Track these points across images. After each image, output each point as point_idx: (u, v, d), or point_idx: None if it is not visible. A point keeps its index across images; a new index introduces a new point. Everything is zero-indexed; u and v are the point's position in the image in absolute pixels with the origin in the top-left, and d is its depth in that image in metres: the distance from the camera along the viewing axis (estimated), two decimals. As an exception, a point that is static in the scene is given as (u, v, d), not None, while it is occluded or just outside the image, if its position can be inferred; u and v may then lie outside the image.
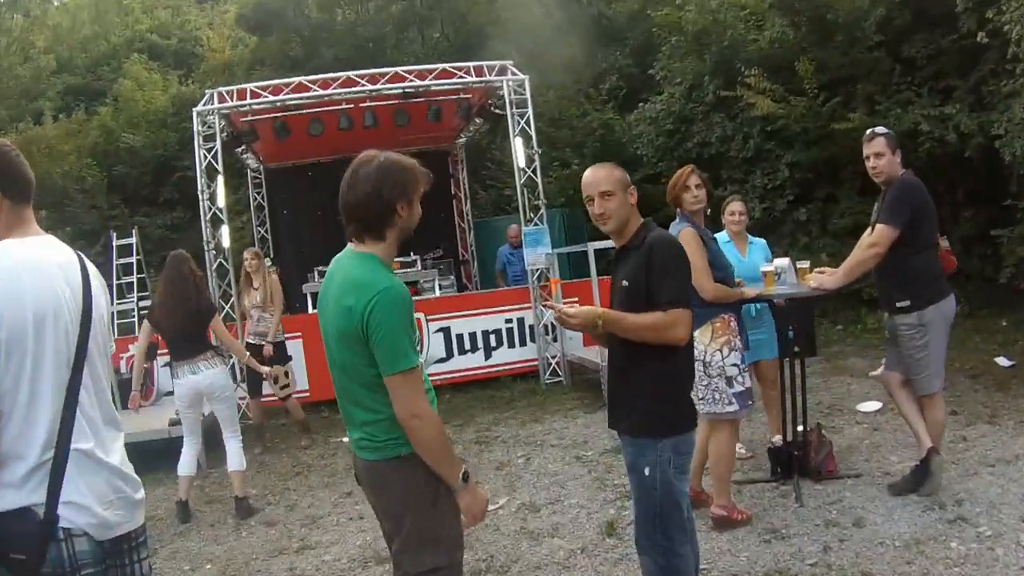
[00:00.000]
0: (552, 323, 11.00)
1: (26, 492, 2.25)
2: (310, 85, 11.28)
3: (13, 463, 2.25)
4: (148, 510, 6.95)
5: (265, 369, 7.91)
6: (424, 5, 23.19)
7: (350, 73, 11.45)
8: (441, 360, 11.30)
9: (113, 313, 13.38)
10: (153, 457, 8.15)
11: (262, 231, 16.30)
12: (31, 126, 20.24)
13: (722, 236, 6.44)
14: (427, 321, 11.27)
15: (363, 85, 11.28)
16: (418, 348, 3.05)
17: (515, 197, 11.74)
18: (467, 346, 11.52)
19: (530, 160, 11.40)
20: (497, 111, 12.48)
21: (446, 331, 11.44)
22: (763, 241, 7.06)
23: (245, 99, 11.13)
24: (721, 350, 5.23)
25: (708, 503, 5.52)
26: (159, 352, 9.60)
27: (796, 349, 5.96)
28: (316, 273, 13.31)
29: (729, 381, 5.24)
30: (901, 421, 7.06)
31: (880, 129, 5.60)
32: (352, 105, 12.19)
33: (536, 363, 11.43)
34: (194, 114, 10.98)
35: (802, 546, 5.00)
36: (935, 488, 5.53)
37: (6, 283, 2.28)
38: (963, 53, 11.35)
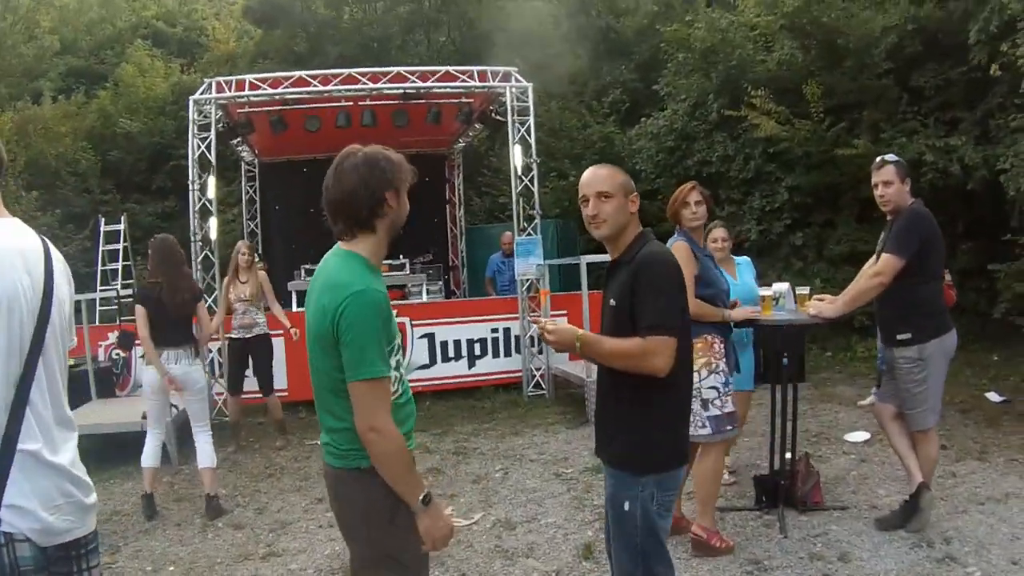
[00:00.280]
0: (538, 335, 10.82)
1: None
2: (310, 80, 11.12)
3: None
4: (116, 504, 6.86)
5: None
6: (432, 7, 23.16)
7: (351, 70, 11.29)
8: (424, 366, 11.10)
9: (95, 300, 13.21)
10: (124, 449, 8.02)
11: (252, 225, 16.19)
12: (29, 105, 20.00)
13: None
14: (412, 326, 11.10)
15: (364, 83, 11.14)
16: (395, 357, 2.88)
17: (510, 205, 11.62)
18: (451, 353, 11.34)
19: (528, 169, 11.26)
20: (498, 117, 12.37)
21: (430, 337, 11.26)
22: (747, 259, 6.94)
23: (244, 90, 11.01)
24: (699, 371, 5.06)
25: (687, 529, 5.34)
26: (135, 343, 9.43)
27: (769, 372, 5.85)
28: (303, 271, 13.18)
29: (705, 404, 5.10)
30: (889, 453, 6.97)
31: (890, 157, 5.46)
32: (352, 103, 12.12)
33: (520, 374, 11.25)
34: (190, 102, 10.81)
35: (785, 580, 4.83)
36: (923, 525, 5.39)
37: None
38: (971, 85, 11.29)
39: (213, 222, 10.80)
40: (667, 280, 3.18)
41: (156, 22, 28.94)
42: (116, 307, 12.79)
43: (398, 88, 11.35)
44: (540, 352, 11.09)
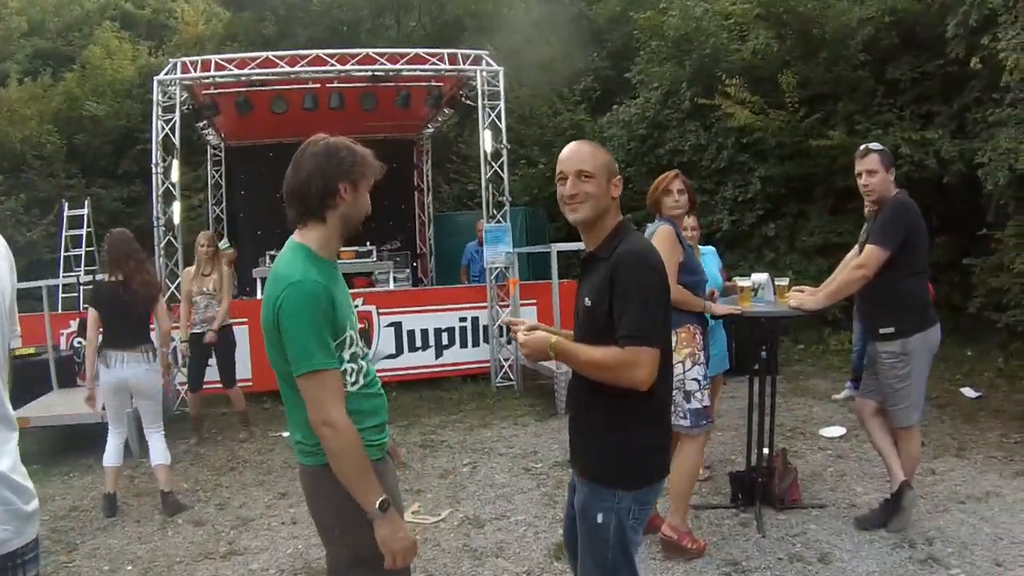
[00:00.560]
0: (507, 325, 10.63)
1: None
2: (277, 61, 10.84)
3: None
4: (75, 500, 6.57)
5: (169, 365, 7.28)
6: (403, -9, 22.85)
7: (319, 52, 11.00)
8: (390, 356, 10.84)
9: (58, 287, 12.89)
10: (84, 442, 7.80)
11: (218, 211, 15.90)
12: (-5, 87, 19.67)
13: None
14: (378, 315, 10.83)
15: (332, 65, 10.88)
16: (351, 348, 2.78)
17: (479, 192, 11.39)
18: (418, 343, 11.08)
19: (498, 154, 11.03)
20: (468, 102, 12.14)
21: (397, 326, 10.99)
22: (712, 248, 6.87)
23: (210, 71, 10.73)
24: (684, 362, 4.90)
25: (658, 528, 5.14)
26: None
27: (756, 367, 5.68)
28: (268, 257, 12.92)
29: (687, 396, 4.94)
30: (866, 449, 6.88)
31: (874, 145, 5.28)
32: (319, 85, 11.87)
33: (488, 365, 11.05)
34: (155, 83, 10.50)
35: (764, 582, 4.66)
36: (905, 524, 5.26)
37: None
38: (947, 79, 11.22)
39: (176, 207, 10.53)
40: (650, 284, 2.87)
41: (125, 4, 28.36)
42: (78, 294, 12.47)
43: (367, 70, 11.08)
44: (509, 342, 10.89)
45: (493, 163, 10.99)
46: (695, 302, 4.99)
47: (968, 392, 9.04)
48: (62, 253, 14.46)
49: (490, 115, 10.98)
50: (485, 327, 11.19)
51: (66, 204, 15.15)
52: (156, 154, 10.38)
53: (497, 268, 10.96)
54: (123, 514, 6.52)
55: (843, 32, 12.00)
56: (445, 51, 11.25)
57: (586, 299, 2.97)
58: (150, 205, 10.61)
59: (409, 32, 22.36)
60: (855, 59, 12.03)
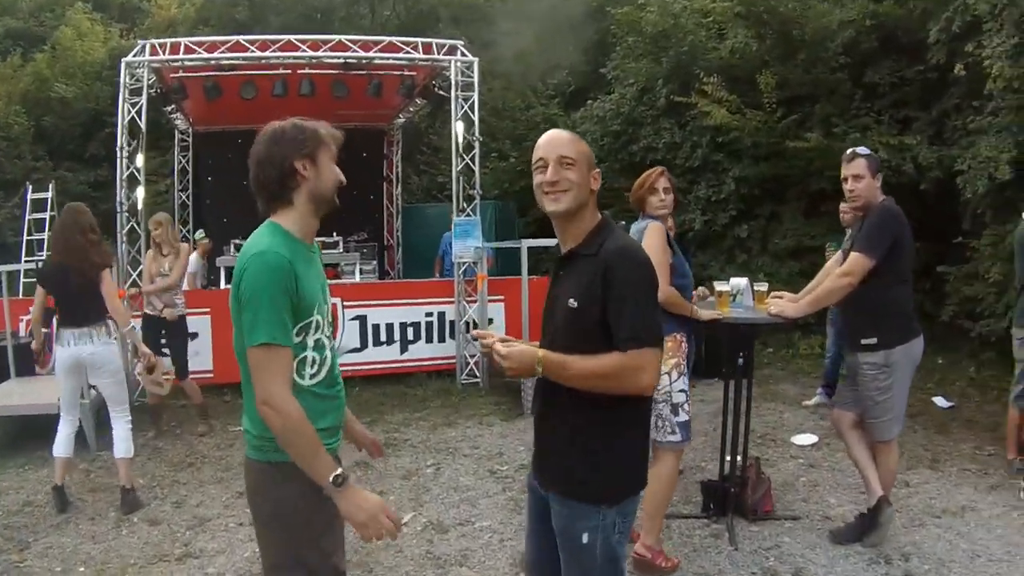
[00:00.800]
0: (474, 320, 10.44)
1: None
2: (247, 45, 10.53)
3: None
4: (28, 494, 6.22)
5: (145, 350, 6.63)
6: (378, -21, 22.60)
7: (291, 37, 10.71)
8: (355, 350, 10.56)
9: (19, 272, 12.53)
10: (40, 433, 7.45)
11: (184, 196, 15.63)
12: (-36, 67, 19.23)
13: None
14: (343, 307, 10.54)
15: (304, 51, 10.61)
16: (315, 335, 2.71)
17: (448, 184, 11.17)
18: (383, 337, 10.79)
19: (469, 146, 10.78)
20: (441, 92, 11.92)
21: (362, 320, 10.70)
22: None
23: (178, 54, 10.44)
24: (670, 373, 4.71)
25: (635, 541, 4.96)
26: (55, 316, 8.85)
27: (724, 371, 5.52)
28: (233, 246, 12.62)
29: (675, 408, 4.74)
30: (839, 458, 6.75)
31: (862, 150, 5.09)
32: (290, 71, 11.62)
33: (454, 361, 10.81)
34: (122, 65, 10.16)
35: (737, 598, 4.50)
36: (880, 540, 5.12)
37: None
38: (927, 85, 11.12)
39: (140, 191, 10.21)
40: (646, 283, 2.70)
41: (99, -16, 27.94)
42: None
43: (339, 57, 10.82)
44: (475, 339, 10.64)
45: (465, 155, 10.75)
46: (686, 306, 4.82)
47: (940, 402, 8.93)
48: (24, 237, 14.09)
49: (463, 106, 10.74)
50: (452, 323, 10.94)
51: (30, 187, 14.76)
52: (122, 138, 10.04)
53: (466, 263, 10.74)
54: (77, 511, 6.25)
55: (823, 34, 11.87)
56: (419, 40, 11.01)
57: (571, 300, 2.73)
58: (115, 190, 10.30)
59: (384, 21, 22.11)
60: (834, 61, 11.91)
